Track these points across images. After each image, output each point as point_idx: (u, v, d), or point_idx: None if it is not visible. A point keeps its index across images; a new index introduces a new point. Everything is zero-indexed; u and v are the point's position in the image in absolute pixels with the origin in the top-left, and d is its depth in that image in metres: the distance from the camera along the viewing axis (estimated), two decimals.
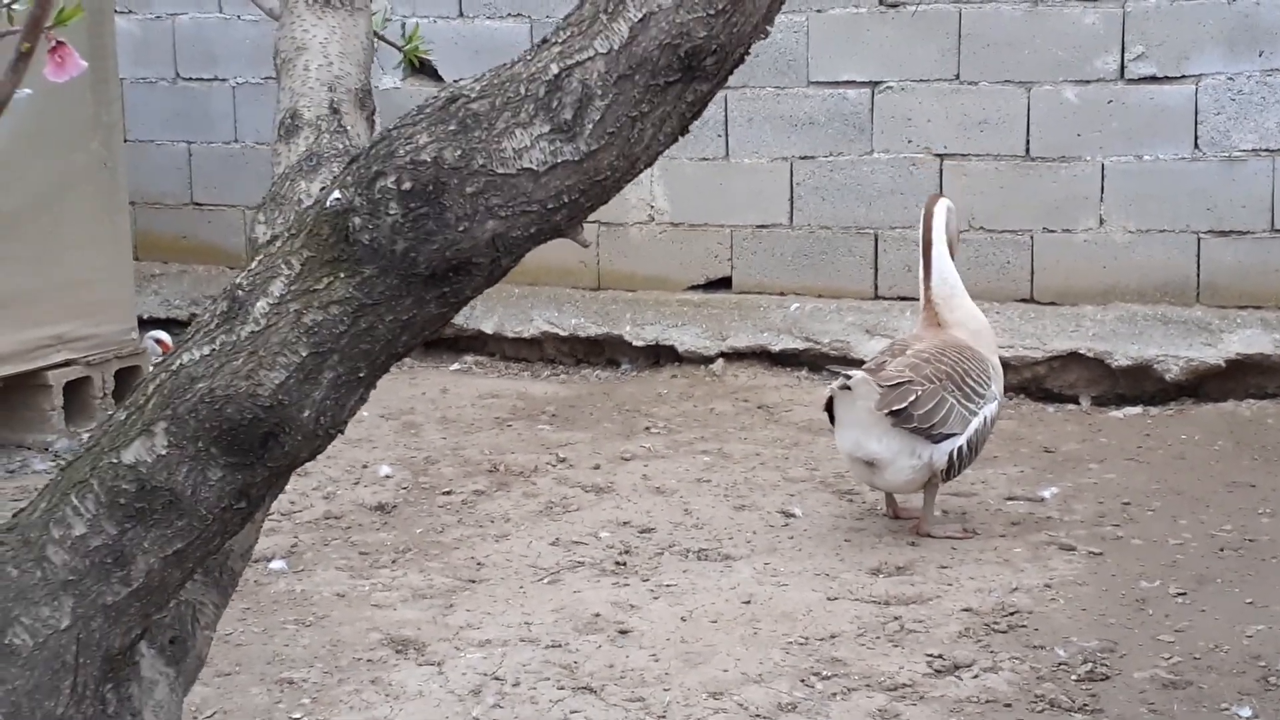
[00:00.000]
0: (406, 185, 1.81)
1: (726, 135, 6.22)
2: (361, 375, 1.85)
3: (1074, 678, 3.33)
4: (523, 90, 1.83)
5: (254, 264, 1.89)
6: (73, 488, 1.69)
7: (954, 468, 4.24)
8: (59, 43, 1.20)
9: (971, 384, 4.27)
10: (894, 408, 4.12)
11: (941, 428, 4.17)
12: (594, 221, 6.37)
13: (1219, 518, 4.36)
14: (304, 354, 1.80)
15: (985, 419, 4.30)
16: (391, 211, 1.81)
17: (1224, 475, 4.76)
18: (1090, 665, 3.37)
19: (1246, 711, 3.14)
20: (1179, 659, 3.41)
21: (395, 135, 1.89)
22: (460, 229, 1.79)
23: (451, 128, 1.83)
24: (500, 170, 1.79)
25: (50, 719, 1.69)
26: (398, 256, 1.80)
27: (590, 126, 1.80)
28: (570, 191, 1.84)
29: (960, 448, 4.22)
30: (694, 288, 6.37)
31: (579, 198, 1.84)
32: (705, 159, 6.25)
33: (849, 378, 4.11)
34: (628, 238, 6.42)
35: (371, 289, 1.80)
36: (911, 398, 4.13)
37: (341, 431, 1.90)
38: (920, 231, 4.51)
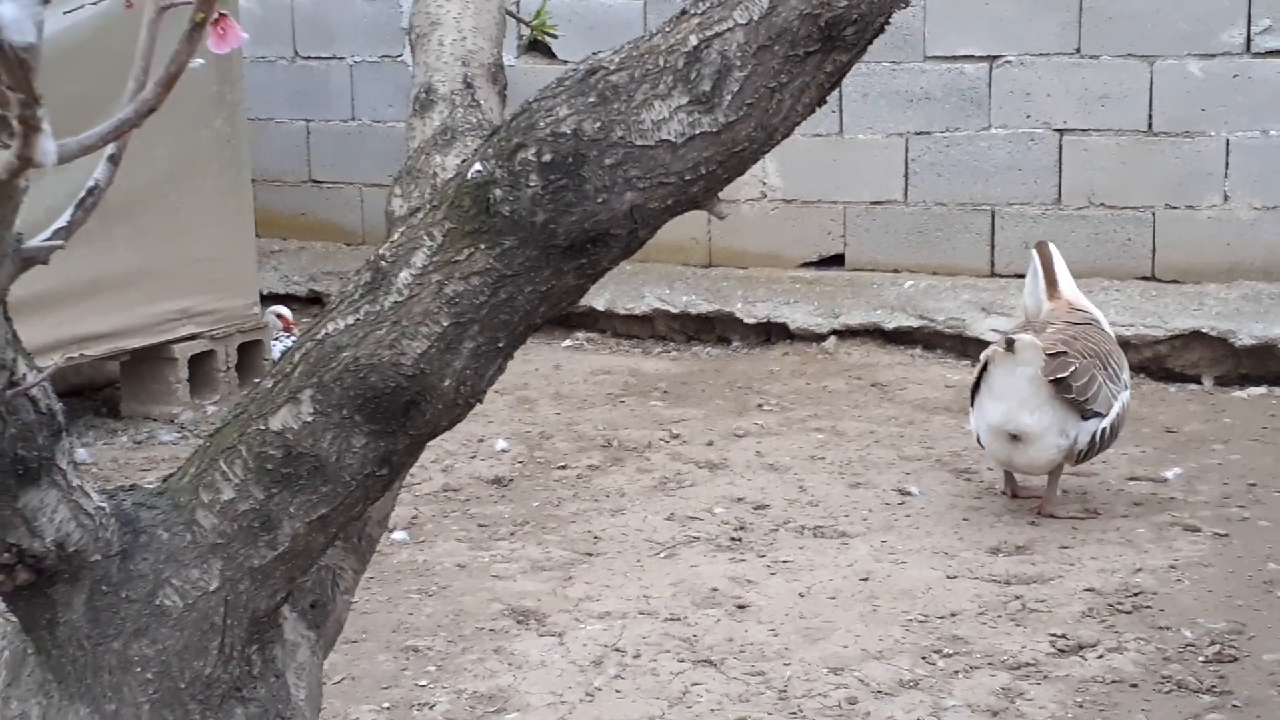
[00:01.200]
0: (547, 157, 1.82)
1: (841, 111, 6.17)
2: (500, 345, 1.87)
3: (1201, 659, 3.28)
4: (661, 62, 1.84)
5: (396, 235, 1.92)
6: (221, 453, 1.73)
7: (1094, 449, 4.15)
8: (221, 14, 1.22)
9: (1114, 366, 4.21)
10: (1058, 375, 3.99)
11: (1093, 405, 4.07)
12: (723, 197, 6.35)
13: None
14: (445, 324, 1.82)
15: (1124, 404, 4.23)
16: (532, 183, 1.83)
17: None
18: (1218, 647, 3.32)
19: None
20: None
21: (535, 108, 1.90)
22: (599, 200, 1.80)
23: (591, 100, 1.84)
24: (639, 142, 1.80)
25: (198, 678, 1.74)
26: (537, 228, 1.81)
27: (729, 98, 1.80)
28: (708, 163, 1.84)
29: (1105, 429, 4.13)
30: (806, 265, 6.34)
31: (716, 169, 1.84)
32: (819, 135, 6.22)
33: (1013, 339, 3.99)
34: (740, 214, 6.41)
35: (511, 260, 1.82)
36: (1072, 368, 4.01)
37: (480, 401, 1.93)
38: (1041, 270, 4.39)
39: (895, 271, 6.17)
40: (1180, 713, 3.04)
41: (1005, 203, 5.98)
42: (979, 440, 4.25)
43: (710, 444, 5.00)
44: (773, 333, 6.27)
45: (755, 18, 1.76)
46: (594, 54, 1.87)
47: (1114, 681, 3.18)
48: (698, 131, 1.79)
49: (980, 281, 6.01)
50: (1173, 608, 3.56)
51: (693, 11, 1.85)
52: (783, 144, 6.01)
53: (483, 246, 1.81)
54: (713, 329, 6.44)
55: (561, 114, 1.80)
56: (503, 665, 3.34)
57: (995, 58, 5.90)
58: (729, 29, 1.77)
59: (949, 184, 6.05)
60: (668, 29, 1.86)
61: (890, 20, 1.84)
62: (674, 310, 6.42)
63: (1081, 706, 3.08)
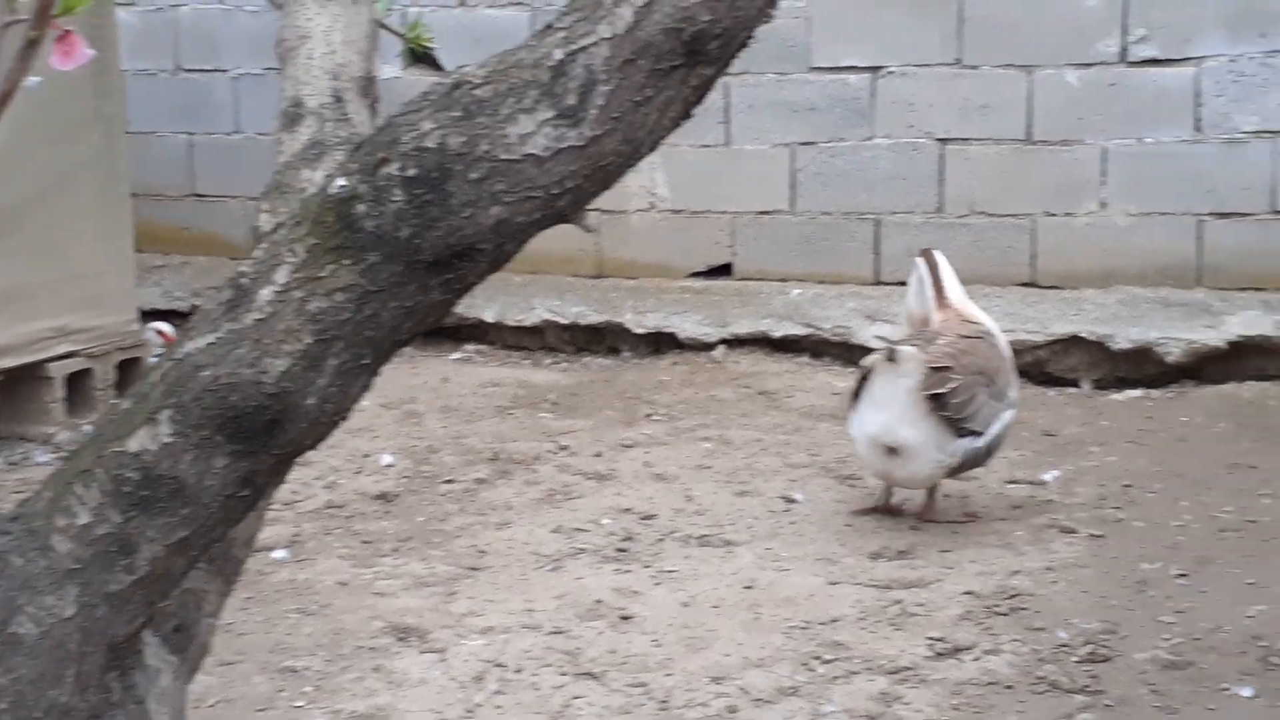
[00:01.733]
0: (411, 172, 1.81)
1: (728, 122, 6.21)
2: (365, 362, 1.85)
3: (1075, 659, 3.34)
4: (527, 76, 1.83)
5: (258, 252, 1.89)
6: (77, 476, 1.69)
7: (964, 467, 4.15)
8: (65, 31, 1.20)
9: (1001, 383, 4.22)
10: (935, 391, 3.96)
11: (970, 424, 4.06)
12: (595, 209, 6.33)
13: (1220, 499, 4.36)
14: (308, 341, 1.80)
15: (1006, 423, 4.23)
16: (396, 198, 1.81)
17: (1225, 457, 4.76)
18: (1091, 647, 3.38)
19: (1247, 691, 3.15)
20: (1180, 640, 3.41)
21: (399, 122, 1.89)
22: (464, 215, 1.79)
23: (456, 114, 1.82)
24: (505, 156, 1.79)
25: (54, 707, 1.70)
26: (402, 243, 1.80)
27: (595, 111, 1.80)
28: (574, 177, 1.84)
29: (979, 449, 4.12)
30: (695, 275, 6.37)
31: (583, 183, 1.84)
32: (706, 146, 6.25)
33: (895, 350, 3.94)
34: (629, 225, 6.42)
35: (375, 276, 1.80)
36: (952, 385, 3.99)
37: (345, 419, 1.91)
38: (929, 279, 4.37)
39: (783, 280, 6.22)
40: (1053, 713, 3.09)
41: (889, 211, 6.05)
42: (859, 449, 4.25)
43: (599, 455, 5.00)
44: (662, 343, 6.29)
45: (620, 32, 1.76)
46: (459, 68, 1.87)
47: (989, 683, 3.23)
48: (564, 145, 1.78)
49: (865, 289, 6.08)
50: (1048, 609, 3.62)
51: (558, 25, 1.85)
52: (671, 155, 6.12)
53: (346, 262, 1.79)
54: (603, 340, 6.44)
55: (426, 128, 1.79)
56: (382, 684, 3.31)
57: (878, 68, 5.98)
58: (594, 43, 1.77)
59: (834, 193, 6.11)
60: (533, 43, 1.85)
61: (753, 34, 1.86)
62: (564, 321, 6.42)
63: (957, 709, 3.12)
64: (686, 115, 1.92)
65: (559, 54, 1.78)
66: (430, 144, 1.77)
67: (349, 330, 1.80)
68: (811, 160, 6.12)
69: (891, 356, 3.95)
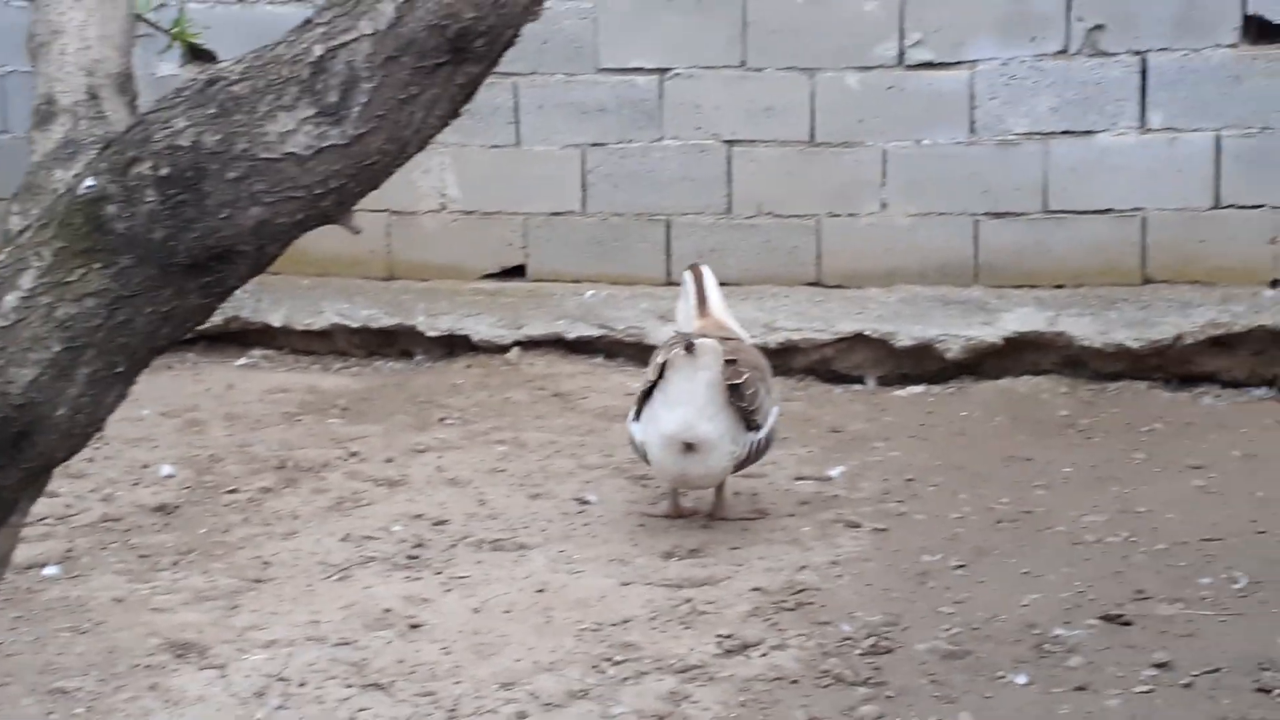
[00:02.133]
0: (164, 171, 1.74)
1: (518, 122, 6.18)
2: (120, 370, 1.78)
3: (858, 652, 3.40)
4: (286, 72, 1.78)
5: (2, 256, 1.81)
6: None
7: (748, 461, 4.18)
8: None
9: (769, 380, 4.31)
10: (734, 381, 3.95)
11: (758, 416, 4.09)
12: (384, 210, 6.28)
13: (997, 491, 4.50)
14: (57, 349, 1.72)
15: (775, 418, 4.30)
16: (149, 199, 1.75)
17: (1001, 450, 4.92)
18: (874, 639, 3.45)
19: (1022, 678, 3.25)
20: (958, 629, 3.51)
21: (152, 120, 1.82)
22: (222, 216, 1.73)
23: (211, 111, 1.77)
24: (264, 155, 1.74)
25: None
26: (156, 245, 1.73)
27: (357, 109, 1.76)
28: (338, 176, 1.80)
29: (761, 441, 4.16)
30: (488, 276, 6.32)
31: (348, 183, 1.80)
32: (497, 146, 6.21)
33: (693, 342, 3.89)
34: (420, 226, 6.34)
35: (129, 280, 1.73)
36: (745, 375, 4.02)
37: (100, 429, 1.83)
38: (693, 290, 4.43)
39: (576, 282, 6.22)
40: (837, 706, 3.14)
41: (679, 213, 6.10)
42: (644, 456, 4.17)
43: (390, 461, 4.92)
44: (456, 345, 6.23)
45: (382, 28, 1.72)
46: (215, 64, 1.80)
47: (776, 679, 3.27)
48: (326, 144, 1.74)
49: (658, 290, 6.11)
50: (833, 603, 3.69)
51: (318, 21, 1.80)
52: (461, 155, 6.03)
53: (97, 266, 1.71)
54: (395, 343, 6.35)
55: (179, 126, 1.72)
56: (158, 703, 3.20)
57: (665, 70, 6.02)
58: (355, 39, 1.73)
59: (625, 195, 6.13)
60: (292, 38, 1.80)
61: (520, 32, 1.84)
62: (354, 325, 6.30)
63: (744, 706, 3.15)
64: (455, 114, 1.89)
65: (319, 50, 1.74)
66: (184, 142, 1.71)
67: (101, 337, 1.73)
68: (602, 161, 6.13)
69: (690, 349, 3.91)
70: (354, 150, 1.79)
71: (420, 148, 1.86)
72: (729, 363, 3.99)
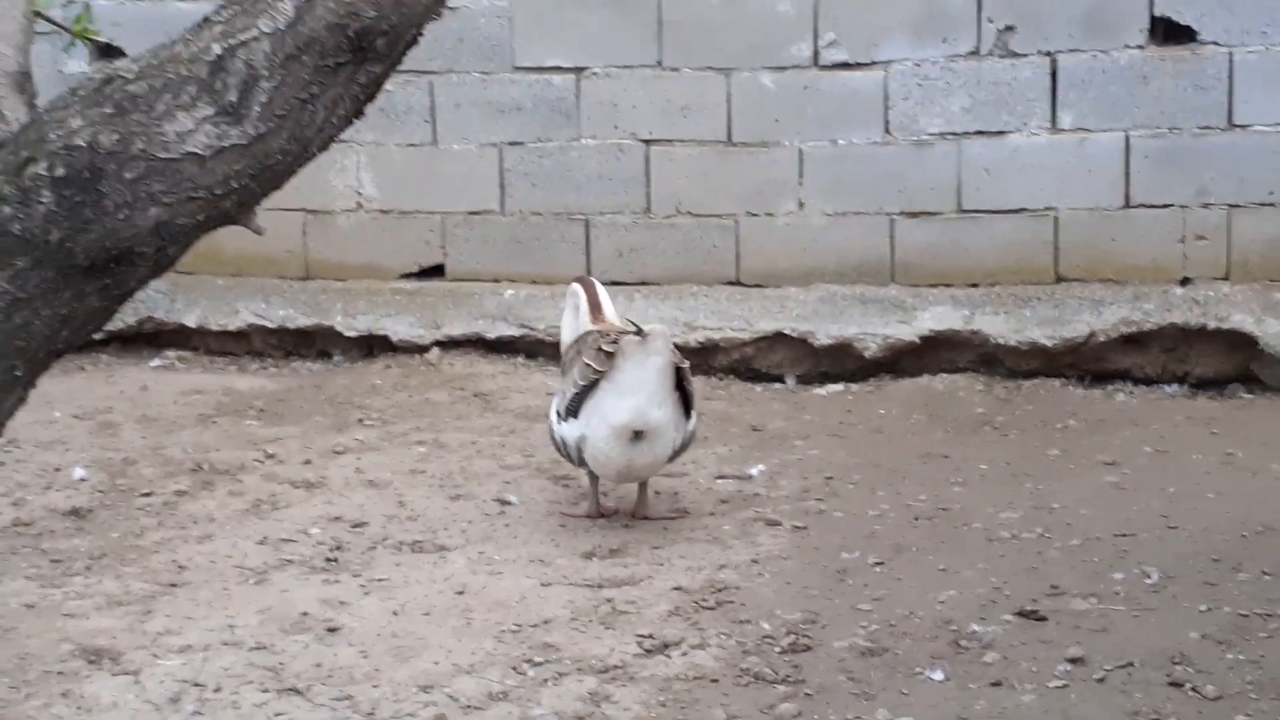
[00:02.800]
0: (60, 172, 1.72)
1: (434, 121, 6.15)
2: (19, 374, 1.75)
3: (777, 650, 3.41)
4: (184, 71, 1.76)
5: None
6: None
7: (680, 452, 4.21)
8: None
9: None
10: (680, 365, 3.98)
11: (692, 403, 4.13)
12: (299, 209, 6.22)
13: (914, 488, 4.54)
14: None
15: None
16: (44, 200, 1.72)
17: (919, 447, 4.96)
18: (793, 637, 3.46)
19: (939, 675, 3.28)
20: (877, 626, 3.53)
21: (47, 119, 1.79)
22: (120, 217, 1.71)
23: (108, 110, 1.74)
24: (162, 155, 1.72)
25: None
26: (53, 247, 1.71)
27: (258, 109, 1.74)
28: (240, 176, 1.78)
29: (692, 431, 4.20)
30: (407, 276, 6.28)
31: (249, 183, 1.78)
32: (413, 145, 6.17)
33: (641, 327, 3.88)
34: (336, 225, 6.29)
35: (25, 282, 1.70)
36: (685, 360, 4.05)
37: (0, 433, 1.79)
38: (584, 302, 4.42)
39: (496, 281, 6.20)
40: (756, 704, 3.15)
41: (599, 212, 6.09)
42: (575, 455, 4.14)
43: (308, 462, 4.88)
44: (375, 346, 6.19)
45: (281, 26, 1.71)
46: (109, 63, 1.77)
47: (696, 678, 3.27)
48: (227, 144, 1.72)
49: None
50: (753, 601, 3.70)
51: (216, 19, 1.78)
52: (377, 154, 6.00)
53: None
54: (313, 344, 6.30)
55: (75, 125, 1.69)
56: (70, 710, 3.14)
57: (582, 69, 6.01)
58: (254, 38, 1.71)
59: (544, 194, 6.12)
60: (190, 37, 1.78)
61: (423, 31, 1.82)
62: (271, 325, 6.24)
63: (664, 705, 3.15)
64: (359, 113, 1.88)
65: (217, 49, 1.72)
66: (80, 142, 1.69)
67: None
68: (520, 160, 6.11)
69: (641, 333, 3.87)
70: (255, 150, 1.77)
71: (323, 148, 1.84)
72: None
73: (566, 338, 4.56)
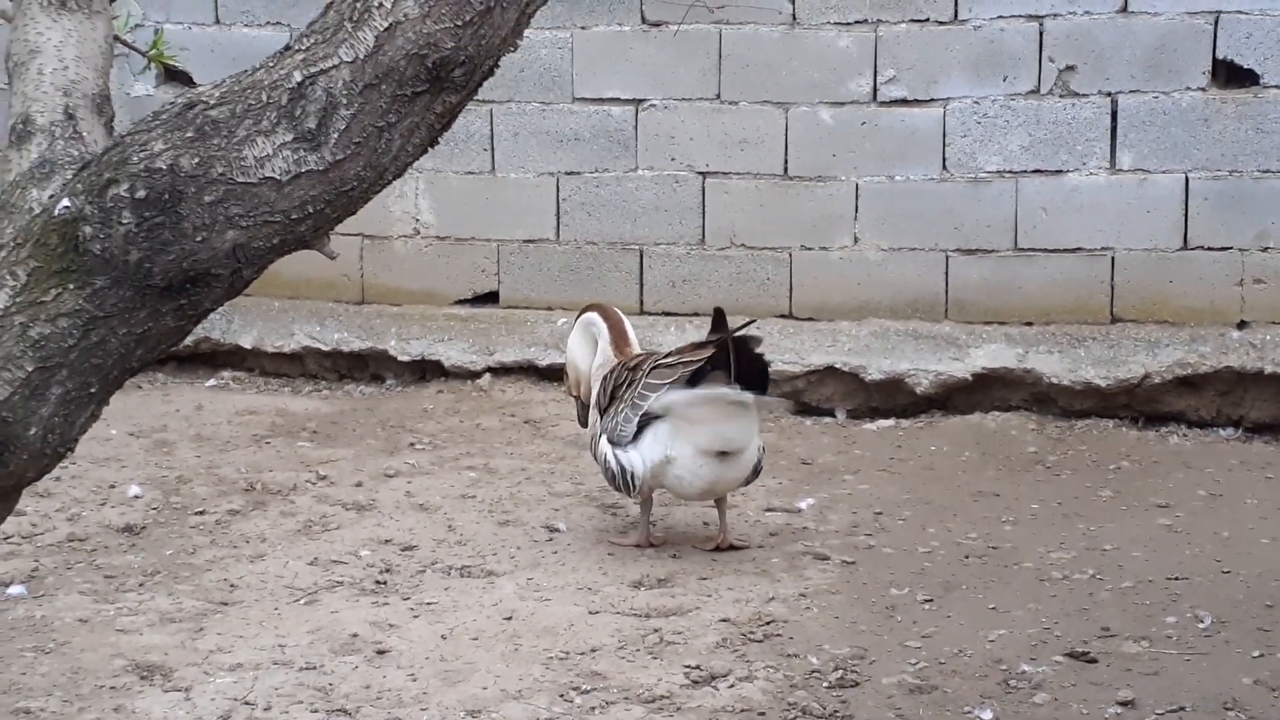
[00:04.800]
0: (141, 193, 1.75)
1: (493, 149, 6.20)
2: (93, 391, 1.78)
3: (825, 685, 3.40)
4: (265, 97, 1.79)
5: None
6: None
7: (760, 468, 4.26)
8: None
9: None
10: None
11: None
12: (356, 234, 6.28)
13: (965, 526, 4.52)
14: (30, 369, 1.72)
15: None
16: (125, 220, 1.75)
17: (970, 485, 4.94)
18: (841, 672, 3.46)
19: (988, 714, 3.26)
20: (925, 664, 3.52)
21: (129, 142, 1.83)
22: (198, 239, 1.74)
23: (189, 134, 1.77)
24: (241, 179, 1.75)
25: None
26: (131, 267, 1.74)
27: (335, 136, 1.77)
28: (315, 202, 1.80)
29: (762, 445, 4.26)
30: (461, 302, 6.33)
31: (324, 208, 1.81)
32: (471, 173, 6.22)
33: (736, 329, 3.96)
34: (392, 251, 6.34)
35: (103, 301, 1.73)
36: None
37: (72, 450, 1.83)
38: (607, 333, 4.45)
39: (549, 309, 6.23)
40: None
41: (653, 242, 6.12)
42: (644, 481, 4.15)
43: (359, 485, 4.91)
44: (427, 370, 6.23)
45: (361, 55, 1.74)
46: (190, 86, 1.81)
47: (743, 710, 3.27)
48: (304, 170, 1.75)
49: (630, 319, 6.11)
50: (801, 635, 3.69)
51: (297, 47, 1.81)
52: (435, 181, 6.06)
53: (71, 287, 1.71)
54: (366, 367, 6.35)
55: (157, 149, 1.73)
56: None
57: (641, 101, 6.04)
58: (334, 66, 1.74)
59: (599, 223, 6.15)
60: (271, 64, 1.81)
61: (499, 63, 1.85)
62: (325, 348, 6.30)
63: None
64: (433, 142, 1.90)
65: (298, 76, 1.75)
66: (161, 165, 1.72)
67: (74, 357, 1.73)
68: (577, 190, 6.15)
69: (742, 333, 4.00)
70: (331, 176, 1.80)
71: (398, 175, 1.87)
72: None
73: (583, 368, 4.53)
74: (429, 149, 1.92)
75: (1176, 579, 4.05)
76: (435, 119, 1.89)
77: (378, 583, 4.06)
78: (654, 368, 4.08)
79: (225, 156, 1.78)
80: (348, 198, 1.88)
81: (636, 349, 4.46)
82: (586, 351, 4.53)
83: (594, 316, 4.53)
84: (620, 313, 4.57)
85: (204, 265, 1.79)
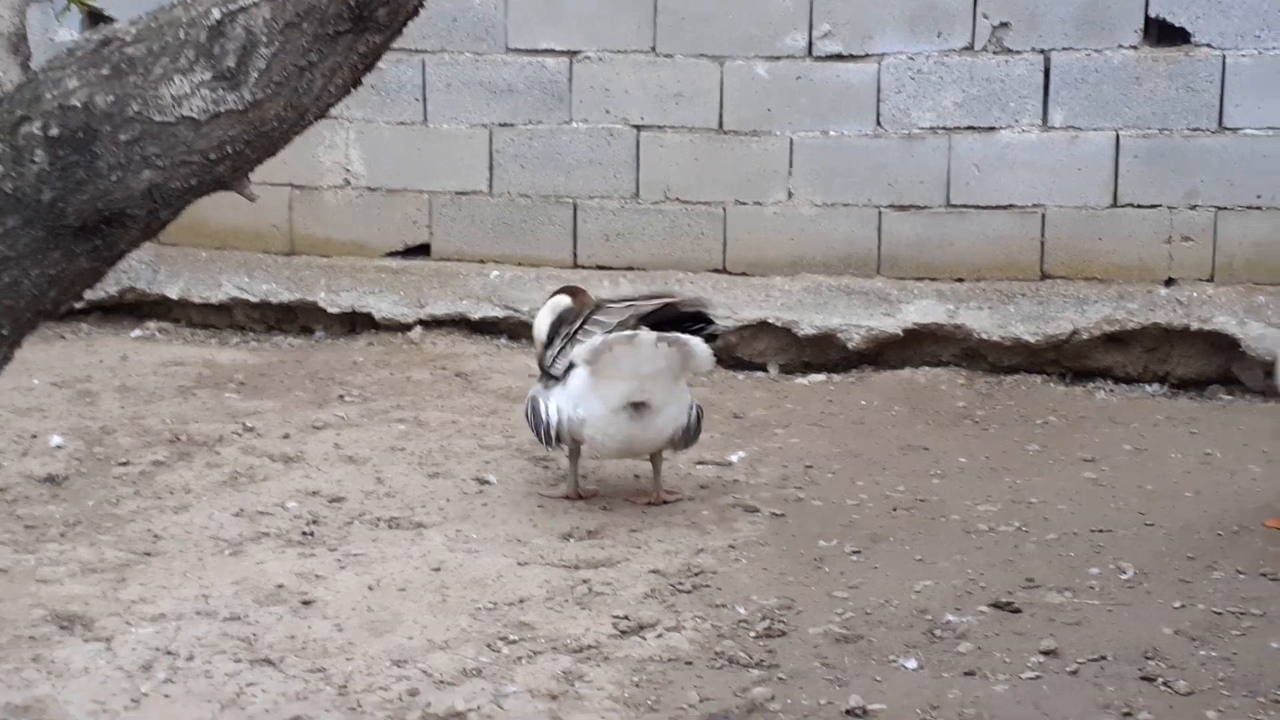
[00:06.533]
0: (54, 131, 1.71)
1: (425, 100, 6.13)
2: (5, 333, 1.74)
3: (753, 635, 3.42)
4: (183, 35, 1.76)
5: None
6: None
7: (698, 428, 4.23)
8: None
9: None
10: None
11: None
12: (286, 184, 6.20)
13: (893, 479, 4.56)
14: None
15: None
16: (37, 159, 1.71)
17: (899, 439, 4.98)
18: (768, 622, 3.48)
19: (913, 663, 3.29)
20: (852, 614, 3.55)
21: (42, 79, 1.79)
22: (113, 179, 1.70)
23: (104, 72, 1.74)
24: (158, 118, 1.72)
25: None
26: (44, 207, 1.70)
27: (255, 75, 1.73)
28: (234, 142, 1.77)
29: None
30: (392, 254, 6.27)
31: (244, 149, 1.77)
32: (403, 123, 6.15)
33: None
34: (323, 201, 6.27)
35: (15, 241, 1.69)
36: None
37: None
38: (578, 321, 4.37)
39: (481, 262, 6.19)
40: (730, 686, 3.16)
41: (587, 195, 6.09)
42: (568, 433, 4.15)
43: (287, 436, 4.87)
44: (358, 323, 6.18)
45: None
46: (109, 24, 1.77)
47: (670, 660, 3.29)
48: (223, 109, 1.71)
49: (564, 273, 6.09)
50: (729, 586, 3.71)
51: None
52: (366, 131, 6.00)
53: None
54: (295, 319, 6.28)
55: (71, 86, 1.69)
56: (41, 674, 3.13)
57: (575, 53, 6.00)
58: (254, 3, 1.70)
59: (533, 176, 6.11)
60: (189, 1, 1.77)
61: (424, 4, 1.82)
62: (254, 299, 6.23)
63: (638, 685, 3.16)
64: (356, 83, 1.87)
65: (217, 13, 1.71)
66: (76, 102, 1.68)
67: None
68: (510, 142, 6.11)
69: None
70: (251, 116, 1.77)
71: (320, 116, 1.84)
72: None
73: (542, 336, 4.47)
74: (352, 90, 1.88)
75: (1100, 531, 4.10)
76: (358, 59, 1.86)
77: (304, 534, 4.03)
78: (598, 305, 4.08)
79: (142, 95, 1.74)
80: (268, 139, 1.84)
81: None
82: (547, 328, 4.48)
83: (564, 299, 4.47)
84: (591, 295, 4.51)
85: (119, 205, 1.75)
